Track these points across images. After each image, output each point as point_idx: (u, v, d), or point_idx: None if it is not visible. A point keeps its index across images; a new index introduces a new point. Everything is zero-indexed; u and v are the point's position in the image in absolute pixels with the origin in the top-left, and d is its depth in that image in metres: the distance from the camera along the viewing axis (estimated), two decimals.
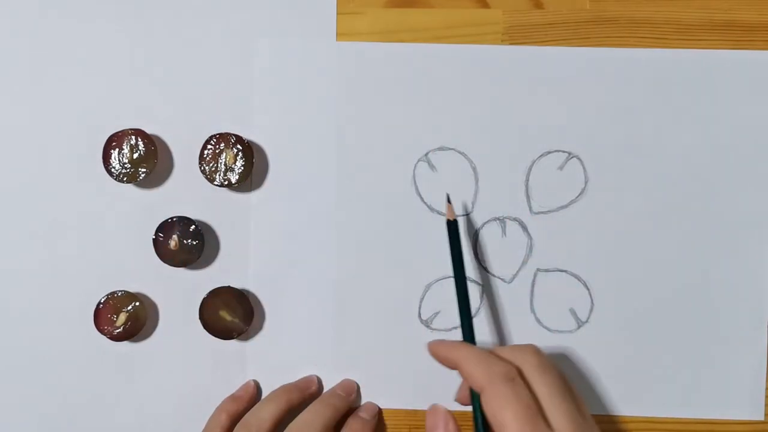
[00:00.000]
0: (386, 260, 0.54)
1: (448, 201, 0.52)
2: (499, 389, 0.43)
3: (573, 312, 0.54)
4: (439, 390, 0.54)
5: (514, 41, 0.53)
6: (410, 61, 0.53)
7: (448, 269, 0.53)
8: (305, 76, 0.54)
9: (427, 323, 0.54)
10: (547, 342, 0.54)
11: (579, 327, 0.54)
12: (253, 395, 0.53)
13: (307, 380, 0.54)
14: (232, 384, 0.54)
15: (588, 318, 0.54)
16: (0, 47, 0.54)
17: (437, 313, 0.54)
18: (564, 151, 0.54)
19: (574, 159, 0.53)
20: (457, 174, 0.54)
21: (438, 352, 0.48)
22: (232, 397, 0.53)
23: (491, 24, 0.54)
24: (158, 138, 0.54)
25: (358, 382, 0.54)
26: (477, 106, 0.53)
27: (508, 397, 0.42)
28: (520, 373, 0.44)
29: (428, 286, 0.54)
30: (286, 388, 0.52)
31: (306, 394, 0.53)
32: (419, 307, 0.54)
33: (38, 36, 0.54)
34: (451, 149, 0.54)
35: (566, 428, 0.42)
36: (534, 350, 0.46)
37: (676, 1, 0.53)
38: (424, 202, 0.54)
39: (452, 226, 0.51)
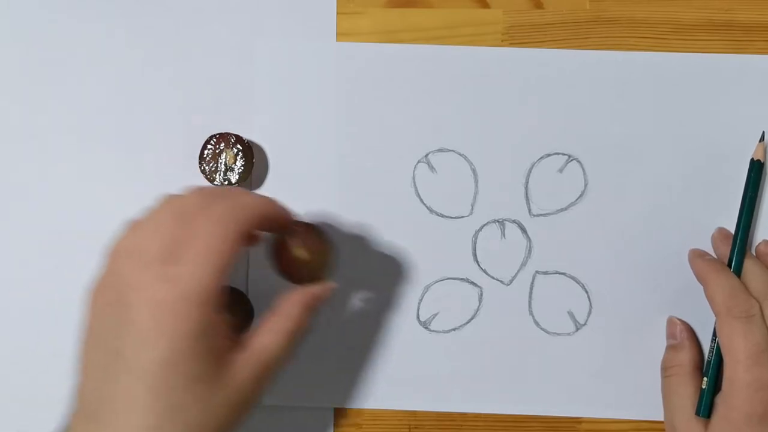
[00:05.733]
0: (385, 261, 0.54)
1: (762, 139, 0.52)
2: (732, 323, 0.47)
3: (571, 315, 0.53)
4: (438, 389, 0.53)
5: (514, 41, 0.53)
6: (411, 63, 0.53)
7: (447, 270, 0.53)
8: (305, 77, 0.54)
9: (425, 325, 0.54)
10: (545, 344, 0.53)
11: (577, 330, 0.53)
12: None
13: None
14: None
15: (586, 321, 0.53)
16: None
17: (436, 315, 0.54)
18: (564, 154, 0.53)
19: (574, 162, 0.53)
20: (457, 176, 0.54)
21: (693, 264, 0.51)
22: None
23: (491, 24, 0.54)
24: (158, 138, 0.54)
25: (356, 382, 0.53)
26: (477, 108, 0.53)
27: (738, 332, 0.46)
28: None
29: (427, 288, 0.54)
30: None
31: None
32: (418, 309, 0.54)
33: (37, 36, 0.54)
34: (451, 151, 0.54)
35: None
36: None
37: (675, 1, 0.53)
38: (424, 204, 0.54)
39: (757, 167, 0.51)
